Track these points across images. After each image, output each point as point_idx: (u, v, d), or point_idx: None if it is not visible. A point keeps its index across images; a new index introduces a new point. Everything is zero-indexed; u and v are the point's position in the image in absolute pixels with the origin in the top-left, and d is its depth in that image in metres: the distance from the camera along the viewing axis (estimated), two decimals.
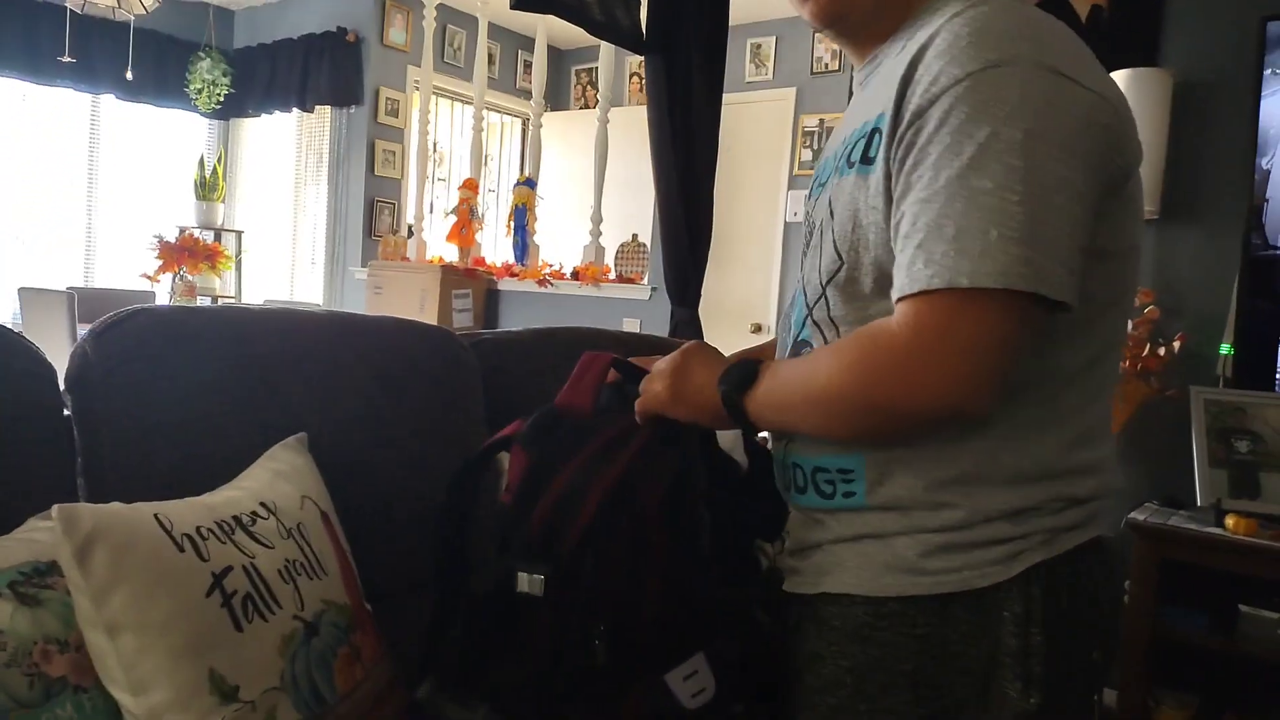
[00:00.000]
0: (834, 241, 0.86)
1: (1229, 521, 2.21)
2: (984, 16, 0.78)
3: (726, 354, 1.01)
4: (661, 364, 0.96)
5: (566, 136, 5.53)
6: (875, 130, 0.83)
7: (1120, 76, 2.59)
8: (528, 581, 0.97)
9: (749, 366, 0.88)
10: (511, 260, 4.45)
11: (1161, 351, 2.54)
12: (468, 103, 5.28)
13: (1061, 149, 0.74)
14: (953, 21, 0.79)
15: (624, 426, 1.03)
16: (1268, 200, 2.48)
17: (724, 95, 3.18)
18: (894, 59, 0.85)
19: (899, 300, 0.76)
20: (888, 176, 0.80)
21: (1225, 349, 2.55)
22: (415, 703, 1.06)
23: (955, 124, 0.74)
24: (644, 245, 4.19)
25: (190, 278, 3.92)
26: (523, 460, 1.03)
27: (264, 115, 5.60)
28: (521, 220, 4.35)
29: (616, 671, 0.98)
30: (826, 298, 0.88)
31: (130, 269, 4.92)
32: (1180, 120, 2.61)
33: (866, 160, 0.83)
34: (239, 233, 5.34)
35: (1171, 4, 2.67)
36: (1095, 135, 0.77)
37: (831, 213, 0.87)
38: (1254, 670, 2.24)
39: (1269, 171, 2.48)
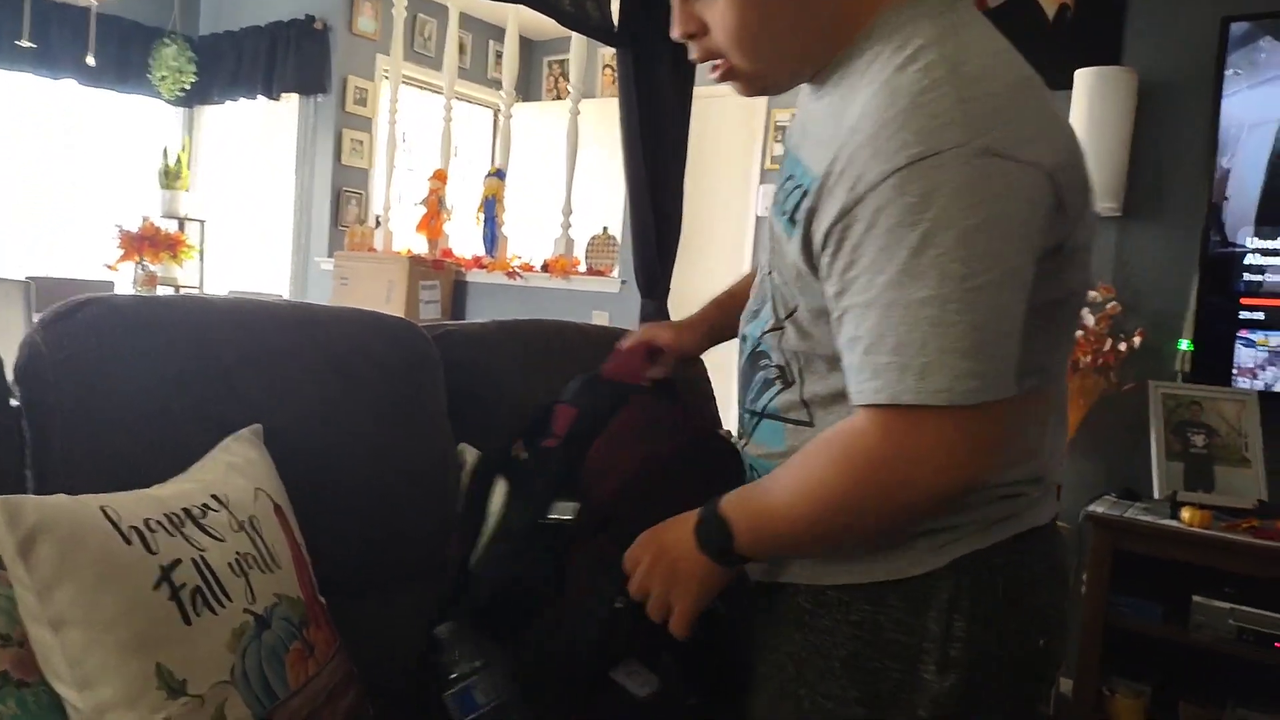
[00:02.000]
0: (776, 295, 0.90)
1: (1184, 514, 2.25)
2: (911, 87, 0.73)
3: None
4: (642, 561, 0.92)
5: (538, 128, 5.50)
6: (804, 193, 0.81)
7: (1085, 75, 2.62)
8: (560, 508, 1.08)
9: (712, 518, 0.86)
10: (480, 252, 4.42)
11: (1122, 347, 2.57)
12: (437, 92, 5.24)
13: (997, 241, 0.71)
14: (880, 92, 0.75)
15: (656, 407, 1.19)
16: (1227, 198, 2.52)
17: (695, 89, 3.18)
18: (836, 97, 0.82)
19: (858, 405, 0.76)
20: (805, 242, 0.80)
21: (1184, 344, 2.59)
22: (431, 637, 1.08)
23: (886, 226, 0.71)
24: (614, 238, 4.18)
25: (152, 267, 3.86)
26: (570, 414, 1.17)
27: (229, 103, 5.52)
28: (491, 212, 4.33)
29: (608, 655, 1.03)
30: (783, 329, 0.90)
31: (91, 258, 4.84)
32: (1143, 118, 2.64)
33: (793, 220, 0.83)
34: (202, 222, 5.27)
35: (1136, 3, 2.71)
36: (1033, 215, 0.73)
37: (773, 266, 0.91)
38: (1206, 659, 2.28)
39: (1228, 170, 2.52)
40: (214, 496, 1.02)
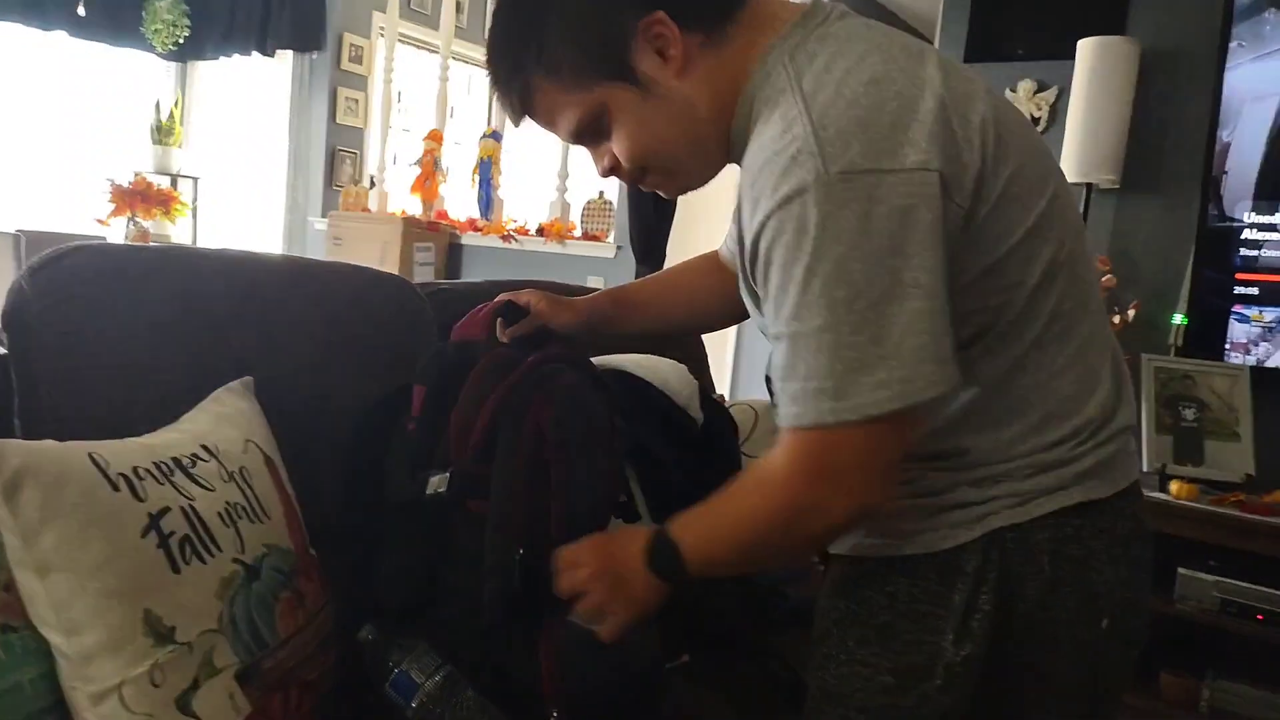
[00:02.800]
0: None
1: (1172, 486, 2.26)
2: (772, 134, 0.78)
3: None
4: (579, 568, 0.95)
5: None
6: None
7: (1087, 45, 2.60)
8: (435, 483, 1.09)
9: (662, 544, 0.89)
10: (475, 215, 4.39)
11: (1116, 320, 2.57)
12: (434, 51, 5.17)
13: (877, 256, 0.73)
14: (751, 148, 0.82)
15: (506, 353, 1.16)
16: (1226, 172, 2.51)
17: None
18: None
19: (781, 426, 0.80)
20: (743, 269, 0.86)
21: (1178, 318, 2.59)
22: (357, 643, 1.08)
23: (777, 264, 0.77)
24: (610, 203, 4.16)
25: (144, 223, 3.82)
26: (420, 392, 1.17)
27: (223, 58, 5.43)
28: (486, 174, 4.29)
29: (532, 603, 1.04)
30: None
31: (82, 213, 4.79)
32: (1145, 90, 2.62)
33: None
34: (195, 179, 5.21)
35: None
36: (915, 213, 0.74)
37: None
38: (1189, 631, 2.30)
39: (1229, 144, 2.51)
40: (204, 446, 1.02)
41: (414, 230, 4.11)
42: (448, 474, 1.09)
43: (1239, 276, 2.50)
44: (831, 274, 0.73)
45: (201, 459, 1.00)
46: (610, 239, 4.02)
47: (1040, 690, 0.86)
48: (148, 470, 0.93)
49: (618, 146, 0.91)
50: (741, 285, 0.91)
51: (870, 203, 0.73)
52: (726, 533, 0.87)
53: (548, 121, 0.93)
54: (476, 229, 4.26)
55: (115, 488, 0.89)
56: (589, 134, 0.92)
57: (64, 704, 0.85)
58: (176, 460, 0.97)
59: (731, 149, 0.90)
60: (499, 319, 1.23)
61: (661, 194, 1.00)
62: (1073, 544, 0.84)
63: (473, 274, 4.26)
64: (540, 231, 4.09)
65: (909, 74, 0.79)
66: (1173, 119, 2.66)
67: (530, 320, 1.22)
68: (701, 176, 0.96)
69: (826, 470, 0.77)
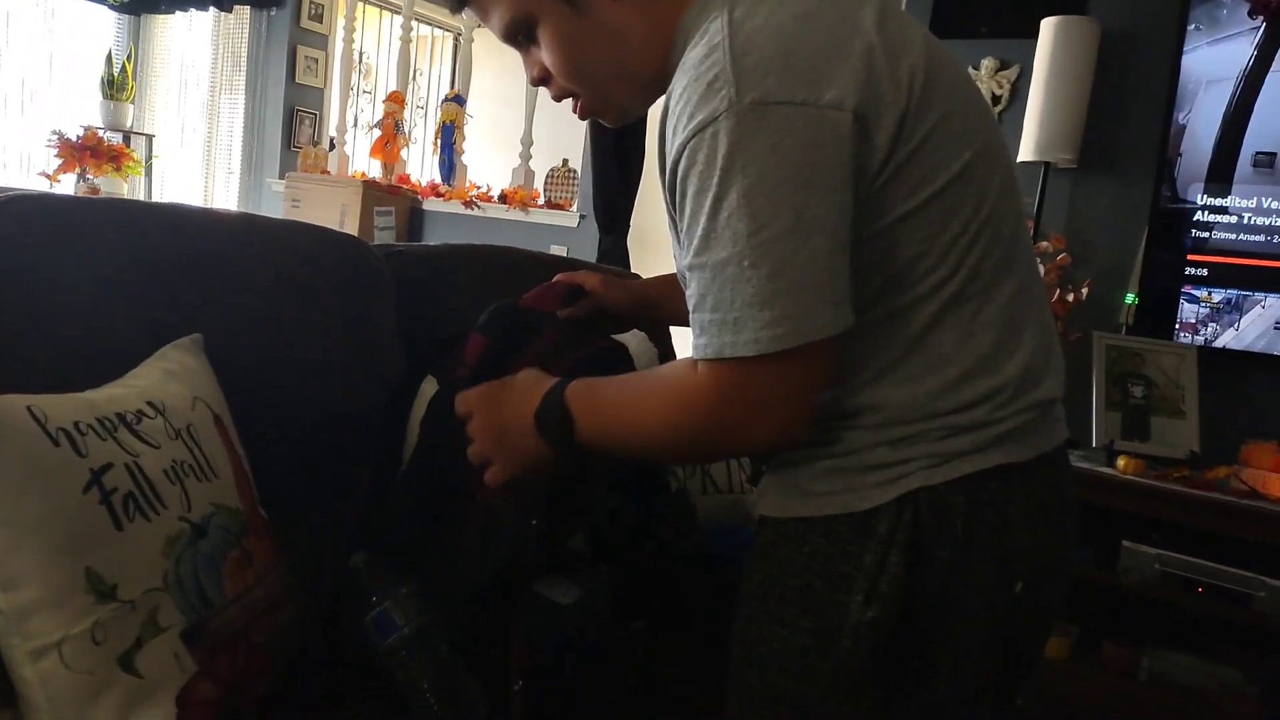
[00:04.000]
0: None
1: (1120, 462, 2.31)
2: (695, 60, 0.77)
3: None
4: (476, 415, 0.96)
5: (500, 54, 5.34)
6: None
7: (1050, 23, 2.62)
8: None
9: (556, 402, 0.88)
10: (437, 180, 4.33)
11: (1070, 298, 2.61)
12: (396, 11, 5.08)
13: (782, 190, 0.73)
14: (677, 74, 0.80)
15: (571, 333, 1.18)
16: (1181, 154, 2.55)
17: None
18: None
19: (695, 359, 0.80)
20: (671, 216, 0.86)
21: (1129, 298, 2.64)
22: (347, 569, 1.09)
23: (690, 194, 0.76)
24: (574, 171, 4.12)
25: (95, 180, 3.72)
26: (481, 342, 1.16)
27: (178, 13, 5.29)
28: (449, 138, 4.23)
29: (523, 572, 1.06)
30: None
31: (28, 168, 4.66)
32: (1104, 70, 2.65)
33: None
34: (150, 136, 5.08)
35: None
36: (822, 151, 0.74)
37: None
38: (1132, 602, 2.37)
39: (1184, 126, 2.55)
40: (149, 403, 1.00)
41: (374, 194, 4.05)
42: None
43: (1190, 258, 2.54)
44: (736, 205, 0.73)
45: (147, 415, 0.98)
46: (574, 208, 3.99)
47: (952, 655, 0.85)
48: (90, 426, 0.91)
49: (547, 60, 0.90)
50: (668, 220, 0.90)
51: (780, 134, 0.73)
52: (630, 426, 0.86)
53: (481, 13, 0.92)
54: (439, 194, 4.20)
55: (55, 443, 0.87)
56: (519, 38, 0.91)
57: (1, 662, 0.84)
58: (120, 416, 0.95)
59: (666, 78, 0.88)
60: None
61: (603, 122, 0.98)
62: (989, 508, 0.83)
63: (434, 240, 4.21)
64: (503, 199, 4.05)
65: (843, 13, 0.79)
66: (1130, 99, 2.69)
67: (589, 301, 1.24)
68: (635, 107, 0.95)
69: (735, 401, 0.77)
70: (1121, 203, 2.70)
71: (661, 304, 1.27)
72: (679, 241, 0.85)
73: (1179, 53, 2.52)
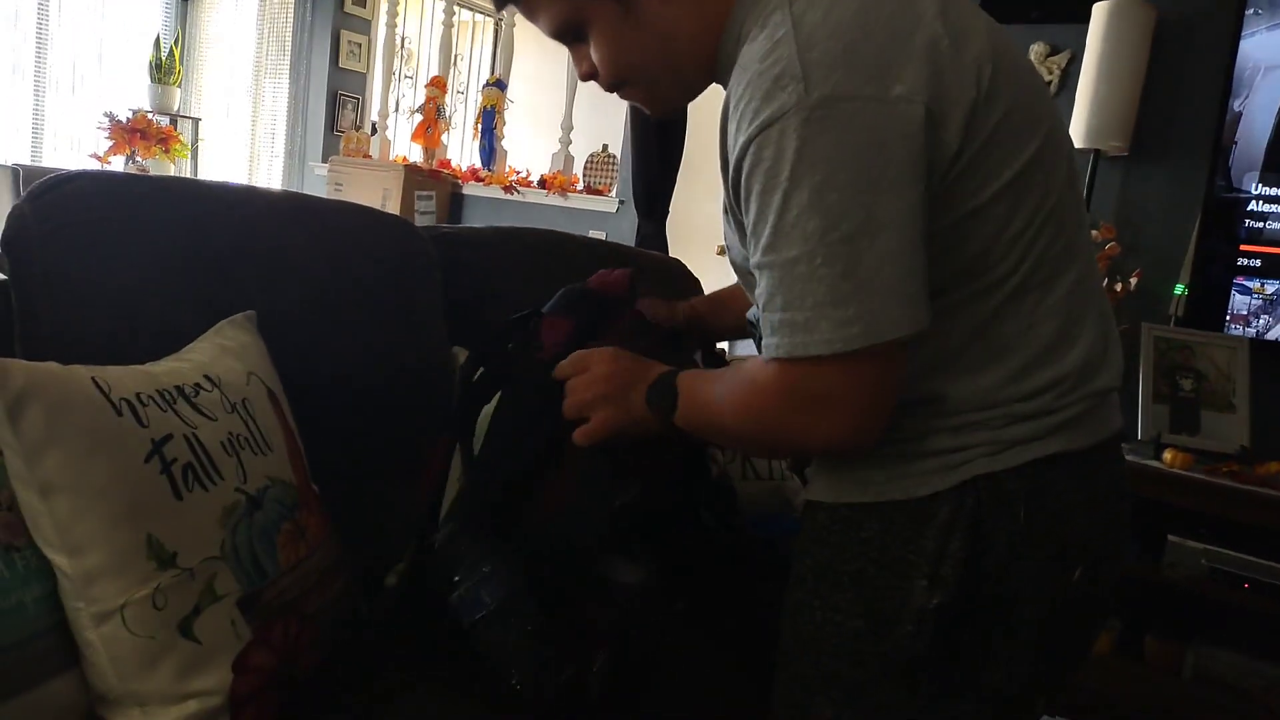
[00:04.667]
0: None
1: (1167, 455, 2.27)
2: (757, 55, 0.76)
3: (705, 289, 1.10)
4: (592, 369, 1.00)
5: (541, 40, 5.33)
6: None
7: (1102, 9, 2.56)
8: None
9: (669, 386, 0.92)
10: (478, 164, 4.35)
11: (1119, 288, 2.57)
12: None
13: (852, 188, 0.72)
14: (737, 70, 0.80)
15: (639, 319, 1.20)
16: (1236, 142, 2.49)
17: None
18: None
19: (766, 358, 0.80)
20: (739, 226, 0.85)
21: (1179, 289, 2.59)
22: (427, 545, 1.12)
23: (755, 193, 0.76)
24: (614, 156, 4.12)
25: (143, 162, 3.78)
26: (566, 325, 1.17)
27: None
28: (490, 123, 4.25)
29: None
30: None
31: (79, 150, 4.75)
32: (1159, 56, 2.59)
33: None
34: (196, 120, 5.16)
35: None
36: (895, 147, 0.73)
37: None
38: (1177, 597, 2.33)
39: (1240, 113, 2.49)
40: (206, 376, 1.01)
41: (415, 178, 4.08)
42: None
43: (1243, 248, 2.49)
44: (806, 204, 0.72)
45: (204, 389, 1.00)
46: (613, 193, 3.99)
47: (1010, 641, 0.85)
48: (150, 397, 0.93)
49: (595, 58, 0.91)
50: (726, 218, 0.90)
51: (849, 131, 0.72)
52: (715, 419, 0.89)
53: (528, 12, 0.93)
54: (478, 179, 4.23)
55: (119, 412, 0.88)
56: (568, 37, 0.92)
57: (66, 624, 0.86)
58: (179, 389, 0.97)
59: (717, 71, 0.89)
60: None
61: (647, 112, 0.99)
62: (1049, 495, 0.83)
63: (474, 224, 4.23)
64: (543, 183, 4.06)
65: (905, 3, 0.78)
66: (1185, 87, 2.63)
67: (663, 306, 1.26)
68: (680, 100, 0.96)
69: (805, 401, 0.77)
70: (1173, 192, 2.65)
71: (709, 315, 1.29)
72: (739, 234, 0.85)
73: (1237, 37, 2.45)
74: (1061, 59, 2.85)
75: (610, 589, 1.10)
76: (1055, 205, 0.83)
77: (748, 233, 0.80)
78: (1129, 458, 2.29)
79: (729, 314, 1.28)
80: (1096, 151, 2.60)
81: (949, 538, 0.82)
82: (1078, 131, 2.58)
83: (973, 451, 0.82)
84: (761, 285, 0.78)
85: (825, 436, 0.78)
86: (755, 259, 0.78)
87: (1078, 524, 0.85)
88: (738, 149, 0.77)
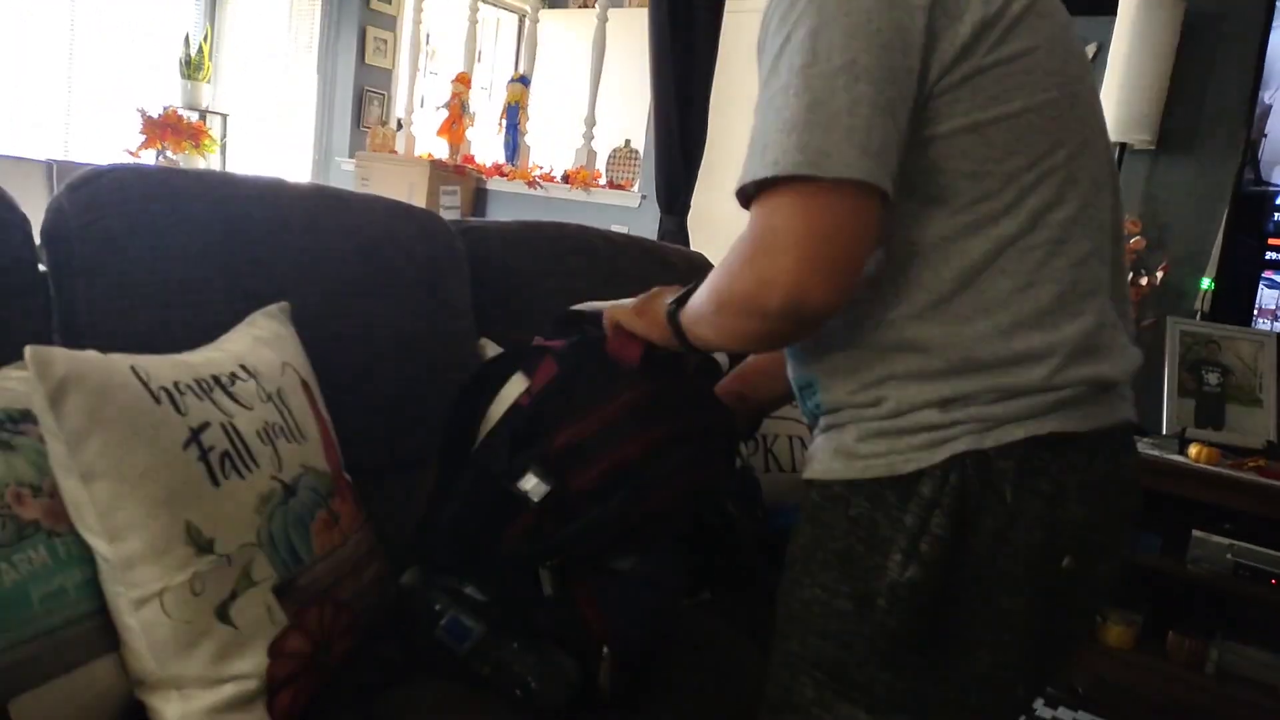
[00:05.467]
0: None
1: (1192, 450, 2.26)
2: None
3: None
4: (631, 308, 1.05)
5: (564, 36, 5.38)
6: None
7: (1130, 2, 2.55)
8: (533, 485, 1.03)
9: (692, 290, 0.93)
10: (501, 160, 4.38)
11: (1144, 282, 2.55)
12: None
13: (845, 34, 0.74)
14: None
15: (655, 392, 1.08)
16: (1265, 135, 2.47)
17: (727, 4, 3.10)
18: None
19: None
20: None
21: (1206, 283, 2.57)
22: (400, 587, 1.10)
23: (768, 43, 0.78)
24: (636, 151, 4.14)
25: (173, 156, 3.83)
26: (552, 371, 1.10)
27: None
28: (514, 119, 4.27)
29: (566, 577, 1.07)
30: None
31: (111, 145, 4.80)
32: (1187, 49, 2.57)
33: None
34: (225, 116, 5.21)
35: None
36: (898, 11, 0.75)
37: None
38: (1201, 592, 2.32)
39: (1270, 106, 2.46)
40: (242, 366, 1.03)
41: (440, 173, 4.10)
42: (548, 488, 1.03)
43: (1271, 242, 2.47)
44: (800, 41, 0.75)
45: (240, 378, 1.02)
46: (635, 188, 4.00)
47: (995, 626, 0.83)
48: (188, 386, 0.95)
49: None
50: None
51: None
52: (702, 293, 0.88)
53: None
54: (502, 174, 4.25)
55: (157, 400, 0.91)
56: None
57: (106, 609, 0.88)
58: (216, 378, 0.99)
59: None
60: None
61: None
62: (1041, 477, 0.81)
63: (497, 218, 4.26)
64: (566, 179, 4.08)
65: None
66: (1213, 80, 2.61)
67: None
68: None
69: (764, 241, 0.76)
70: (1200, 185, 2.62)
71: (745, 392, 1.25)
72: None
73: (1267, 29, 2.43)
74: (1088, 50, 2.83)
75: (605, 579, 1.10)
76: (1065, 164, 0.82)
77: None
78: (1153, 452, 2.28)
79: (770, 380, 1.23)
80: (1123, 145, 2.58)
81: (930, 514, 0.80)
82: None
83: (959, 428, 0.81)
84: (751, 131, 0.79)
85: (780, 280, 0.73)
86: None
87: (1071, 510, 0.83)
88: (763, 11, 0.80)
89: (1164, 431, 2.39)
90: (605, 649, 1.05)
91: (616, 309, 1.08)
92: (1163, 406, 2.41)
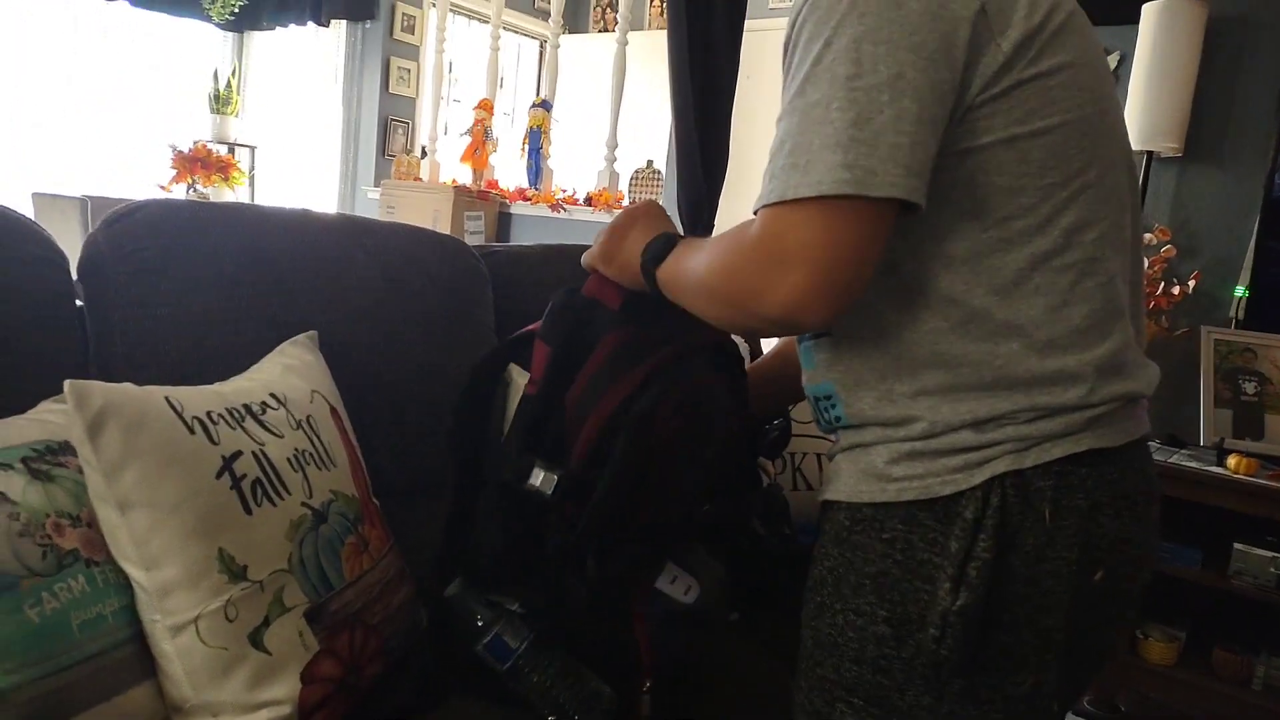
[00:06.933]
0: None
1: (1231, 461, 2.22)
2: None
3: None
4: (614, 220, 1.04)
5: (584, 60, 5.43)
6: None
7: (1152, 9, 2.53)
8: (541, 478, 1.02)
9: (668, 242, 0.92)
10: (525, 184, 4.41)
11: (1176, 291, 2.52)
12: (485, 21, 5.18)
13: (890, 45, 0.72)
14: None
15: (635, 336, 1.06)
16: None
17: (746, 22, 3.11)
18: None
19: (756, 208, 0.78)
20: None
21: (1239, 291, 2.53)
22: (444, 597, 1.09)
23: (803, 43, 0.76)
24: (659, 172, 4.15)
25: (204, 189, 3.90)
26: (545, 352, 1.08)
27: (278, 28, 5.50)
28: (536, 143, 4.30)
29: (612, 581, 1.03)
30: None
31: (142, 180, 4.90)
32: (1212, 55, 2.55)
33: None
34: (253, 148, 5.30)
35: None
36: (944, 24, 0.73)
37: None
38: (1242, 606, 2.27)
39: None
40: (272, 395, 1.05)
41: (464, 199, 4.14)
42: (556, 477, 1.02)
43: None
44: (843, 50, 0.72)
45: (271, 407, 1.03)
46: None
47: (1038, 644, 0.83)
48: (221, 415, 0.96)
49: None
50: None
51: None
52: (691, 265, 0.87)
53: None
54: (526, 198, 4.28)
55: (191, 430, 0.92)
56: None
57: (143, 635, 0.90)
58: (247, 407, 1.01)
59: None
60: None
61: None
62: (1077, 494, 0.81)
63: (522, 242, 4.29)
64: (589, 201, 4.10)
65: None
66: (1240, 85, 2.58)
67: None
68: None
69: (778, 251, 0.73)
70: (1230, 192, 2.59)
71: (762, 383, 1.24)
72: None
73: None
74: (1111, 60, 2.81)
75: (657, 605, 1.08)
76: (1098, 182, 0.82)
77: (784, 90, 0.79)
78: (1190, 464, 2.24)
79: (771, 387, 1.24)
80: (1150, 153, 2.56)
81: (975, 538, 0.80)
82: (1130, 133, 2.54)
83: (997, 449, 0.81)
84: (777, 135, 0.76)
85: (784, 293, 0.73)
86: (781, 113, 0.77)
87: (1105, 524, 0.83)
88: (794, 10, 0.78)
89: (1201, 443, 2.35)
90: (648, 683, 1.04)
91: (590, 253, 1.08)
92: (1199, 417, 2.37)
